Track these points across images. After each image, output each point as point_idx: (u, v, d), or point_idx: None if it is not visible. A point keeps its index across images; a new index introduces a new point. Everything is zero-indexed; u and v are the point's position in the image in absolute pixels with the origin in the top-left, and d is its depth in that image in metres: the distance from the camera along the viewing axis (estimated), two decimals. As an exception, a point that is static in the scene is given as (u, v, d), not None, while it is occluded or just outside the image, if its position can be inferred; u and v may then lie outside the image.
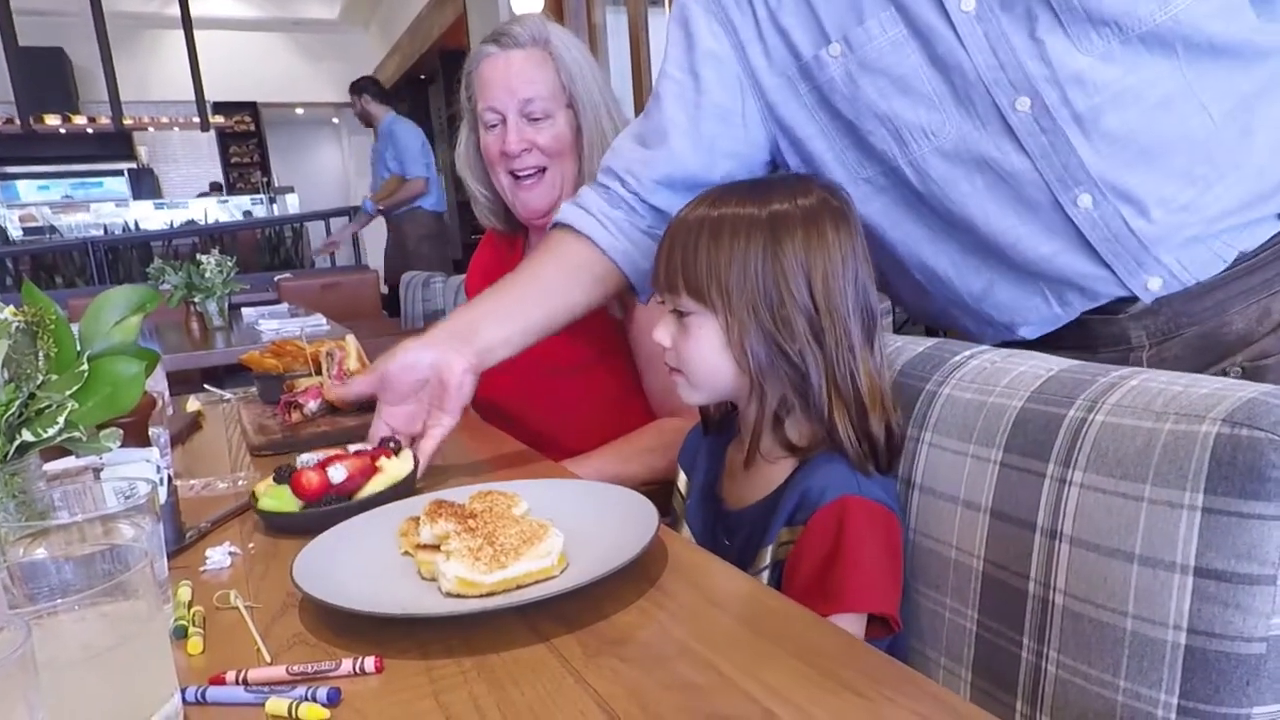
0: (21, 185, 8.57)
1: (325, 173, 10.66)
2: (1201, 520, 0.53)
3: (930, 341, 0.86)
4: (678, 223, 0.83)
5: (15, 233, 7.74)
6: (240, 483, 1.01)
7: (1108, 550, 0.58)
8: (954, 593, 0.73)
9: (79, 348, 0.74)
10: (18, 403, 0.67)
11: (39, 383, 0.70)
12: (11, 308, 0.70)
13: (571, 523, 0.72)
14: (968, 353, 0.80)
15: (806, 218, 0.78)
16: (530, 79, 1.26)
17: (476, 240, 1.60)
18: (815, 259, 0.77)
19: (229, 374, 2.68)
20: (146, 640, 0.50)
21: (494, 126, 1.29)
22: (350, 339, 1.34)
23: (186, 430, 1.34)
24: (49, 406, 0.69)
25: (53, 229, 7.86)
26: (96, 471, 0.80)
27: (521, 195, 1.31)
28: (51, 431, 0.69)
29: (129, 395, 0.74)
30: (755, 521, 0.81)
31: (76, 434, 0.73)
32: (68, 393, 0.70)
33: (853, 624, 0.72)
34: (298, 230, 7.32)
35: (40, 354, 0.69)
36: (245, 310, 3.46)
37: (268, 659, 0.59)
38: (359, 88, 4.86)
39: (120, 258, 6.32)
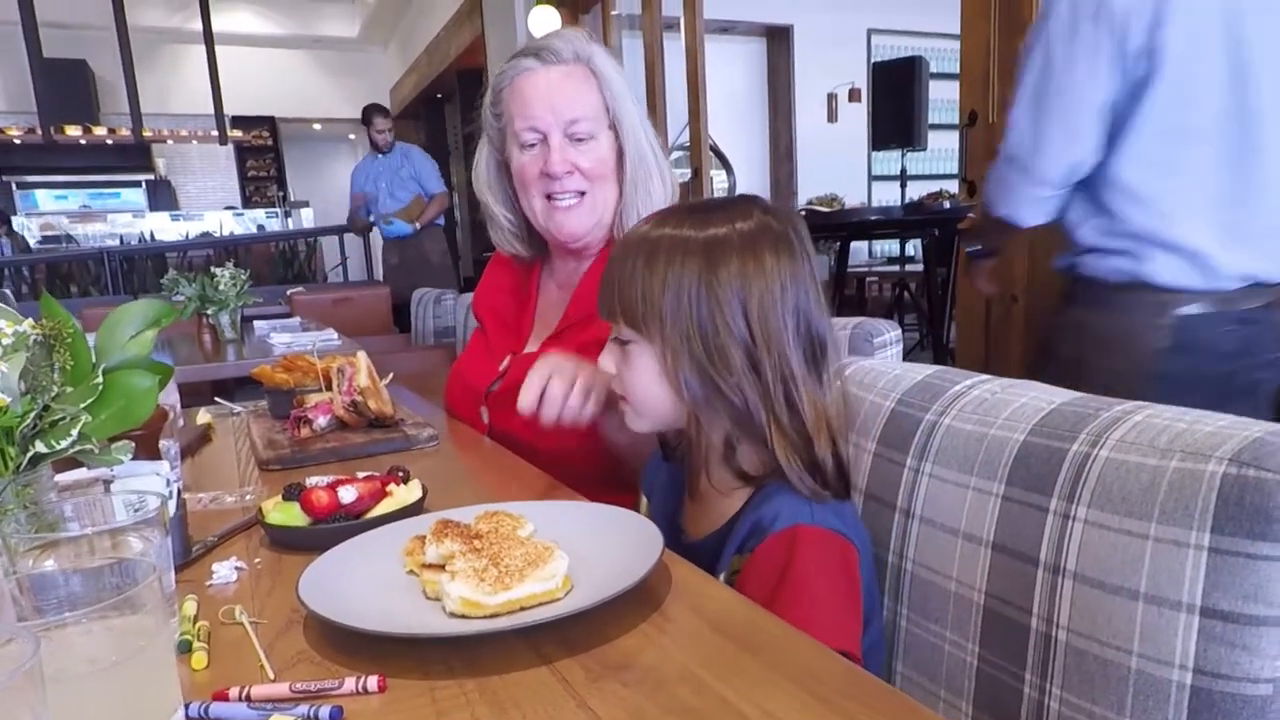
0: (41, 194, 8.68)
1: (341, 188, 10.68)
2: (1208, 560, 0.53)
3: (929, 370, 0.86)
4: (619, 243, 0.82)
5: (33, 241, 7.83)
6: (248, 497, 1.01)
7: (1112, 587, 0.58)
8: (955, 626, 0.73)
9: (94, 361, 0.75)
10: (33, 414, 0.68)
11: (54, 395, 0.70)
12: (30, 320, 0.71)
13: (576, 544, 0.73)
14: (968, 382, 0.80)
15: (744, 244, 0.76)
16: (574, 98, 1.20)
17: (486, 258, 1.56)
18: (752, 288, 0.75)
19: (239, 386, 2.70)
20: (152, 655, 0.51)
21: (532, 146, 1.22)
22: (361, 355, 1.35)
23: (196, 443, 1.35)
24: (63, 419, 0.70)
25: (69, 238, 7.94)
26: (107, 484, 0.80)
27: (558, 218, 1.24)
28: (65, 444, 0.70)
29: (142, 409, 0.75)
30: (712, 550, 0.80)
31: (89, 446, 0.74)
32: (82, 405, 0.71)
33: None
34: (311, 244, 7.39)
35: (56, 367, 0.70)
36: (258, 323, 3.48)
37: (271, 676, 0.59)
38: (370, 116, 5.00)
39: (135, 268, 6.38)
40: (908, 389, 0.83)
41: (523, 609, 0.65)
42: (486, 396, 1.34)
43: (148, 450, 0.89)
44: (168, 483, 0.83)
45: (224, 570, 0.78)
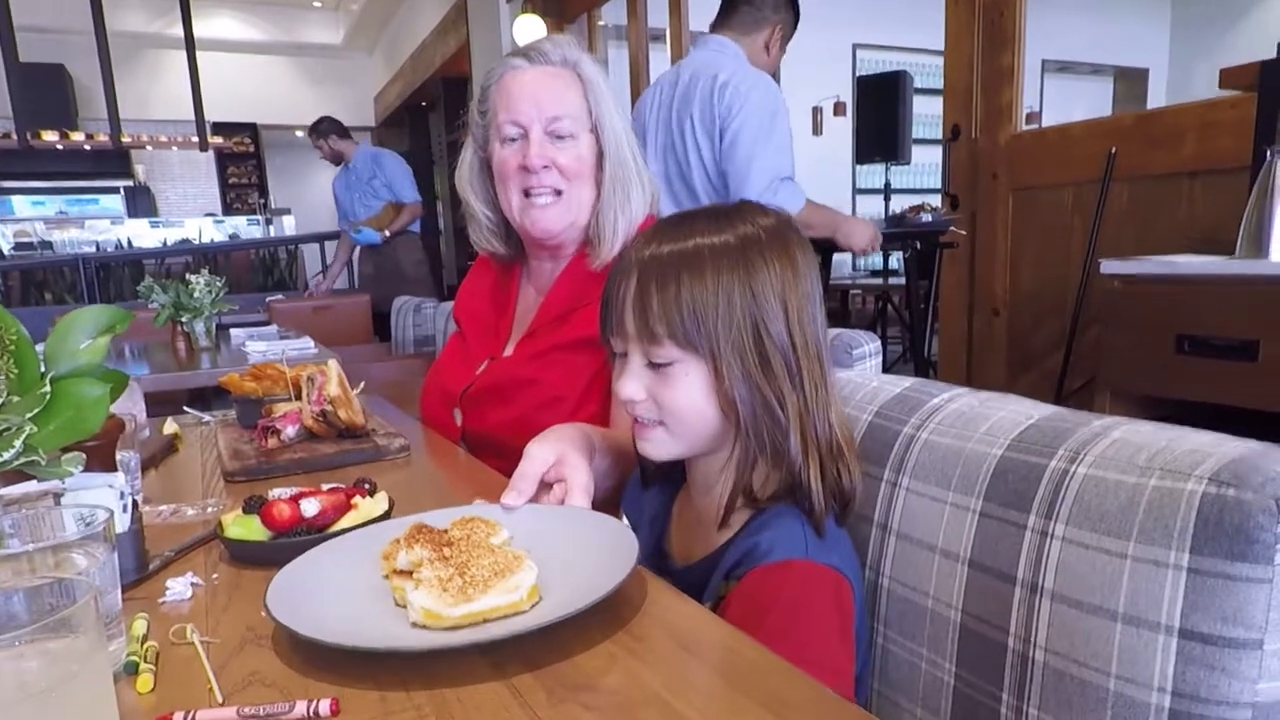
0: (16, 200, 8.56)
1: (323, 196, 10.62)
2: (1187, 581, 0.52)
3: (907, 383, 0.84)
4: (645, 261, 0.75)
5: (7, 248, 7.72)
6: (210, 509, 0.98)
7: (1090, 607, 0.57)
8: (930, 643, 0.71)
9: (43, 369, 0.72)
10: (-27, 425, 0.65)
11: (-1, 404, 0.68)
12: (-27, 327, 0.68)
13: (550, 554, 0.71)
14: (946, 395, 0.78)
15: (775, 243, 0.73)
16: (558, 96, 1.22)
17: (469, 267, 1.56)
18: (790, 289, 0.72)
19: (216, 396, 2.65)
20: (88, 679, 0.48)
21: (514, 140, 1.24)
22: (333, 364, 1.32)
23: (161, 453, 1.32)
24: (6, 429, 0.67)
25: (45, 244, 7.84)
26: (57, 497, 0.77)
27: (533, 214, 1.24)
28: (8, 455, 0.67)
29: (92, 419, 0.72)
30: (700, 577, 0.76)
31: (35, 458, 0.71)
32: (28, 415, 0.68)
33: None
34: (292, 252, 7.33)
35: (0, 375, 0.67)
36: (234, 331, 3.44)
37: (219, 699, 0.56)
38: (321, 131, 4.95)
39: (112, 275, 6.30)
40: (886, 401, 0.82)
41: (485, 621, 0.63)
42: (461, 398, 1.32)
43: (102, 462, 0.86)
44: (121, 495, 0.80)
45: (179, 586, 0.75)
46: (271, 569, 0.78)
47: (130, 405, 1.40)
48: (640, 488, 0.90)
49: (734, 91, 2.22)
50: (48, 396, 0.71)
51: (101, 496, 0.79)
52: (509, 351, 1.32)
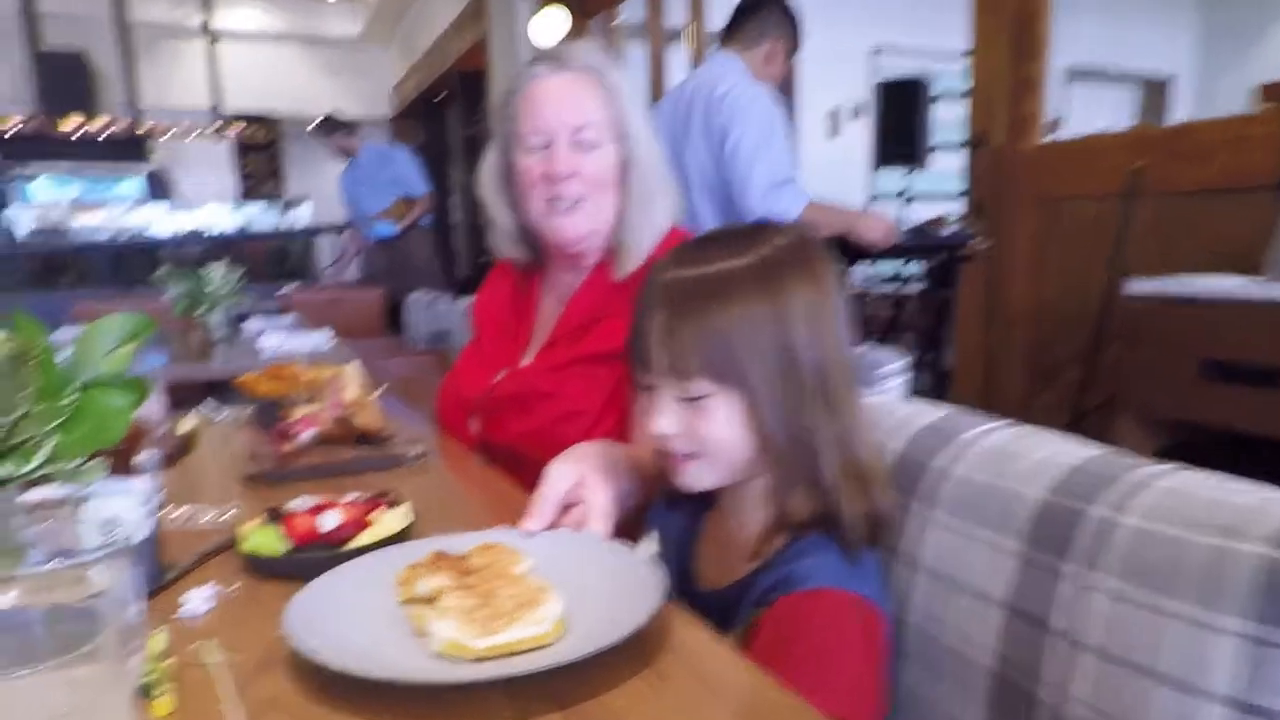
0: (35, 186, 8.60)
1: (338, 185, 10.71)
2: (1245, 650, 0.50)
3: (940, 413, 0.83)
4: (669, 291, 0.72)
5: (25, 233, 7.76)
6: (227, 515, 0.98)
7: (1133, 665, 0.55)
8: (955, 686, 0.70)
9: (67, 378, 0.71)
10: (-2, 435, 0.64)
11: (22, 414, 0.67)
12: (1, 333, 0.68)
13: (572, 582, 0.70)
14: (982, 429, 0.77)
15: (796, 259, 0.71)
16: (583, 105, 1.20)
17: (484, 262, 1.55)
18: (817, 308, 0.70)
19: (232, 389, 2.65)
20: (106, 707, 0.47)
21: (538, 149, 1.22)
22: (352, 367, 1.31)
23: (179, 451, 1.31)
24: (31, 439, 0.66)
25: (63, 230, 7.87)
26: (77, 503, 0.77)
27: (555, 221, 1.22)
28: (34, 463, 0.67)
29: (115, 428, 0.71)
30: (729, 602, 0.74)
31: (60, 467, 0.70)
32: (52, 425, 0.68)
33: None
34: (308, 242, 7.35)
35: (25, 385, 0.67)
36: (249, 323, 3.43)
37: (238, 728, 0.56)
38: (326, 128, 5.00)
39: (128, 261, 6.32)
40: (917, 431, 0.80)
41: (511, 654, 0.62)
42: (477, 407, 1.31)
43: (122, 467, 0.86)
44: (143, 502, 0.80)
45: (197, 599, 0.74)
46: (289, 583, 0.77)
47: (151, 402, 1.40)
48: (666, 506, 0.89)
49: (733, 103, 2.32)
50: (71, 407, 0.70)
51: (122, 504, 0.78)
52: (528, 361, 1.31)
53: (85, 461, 0.73)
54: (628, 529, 0.96)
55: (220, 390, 2.76)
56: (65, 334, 2.31)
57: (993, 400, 2.62)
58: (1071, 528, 0.61)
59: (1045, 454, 0.68)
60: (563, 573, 0.71)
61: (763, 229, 0.76)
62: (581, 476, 0.83)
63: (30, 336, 0.67)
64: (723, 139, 2.32)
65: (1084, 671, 0.58)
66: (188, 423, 1.44)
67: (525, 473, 1.19)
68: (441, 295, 3.65)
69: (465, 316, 2.78)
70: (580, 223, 1.23)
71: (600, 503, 0.81)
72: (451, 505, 1.03)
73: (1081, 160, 2.47)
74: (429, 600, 0.68)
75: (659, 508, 0.90)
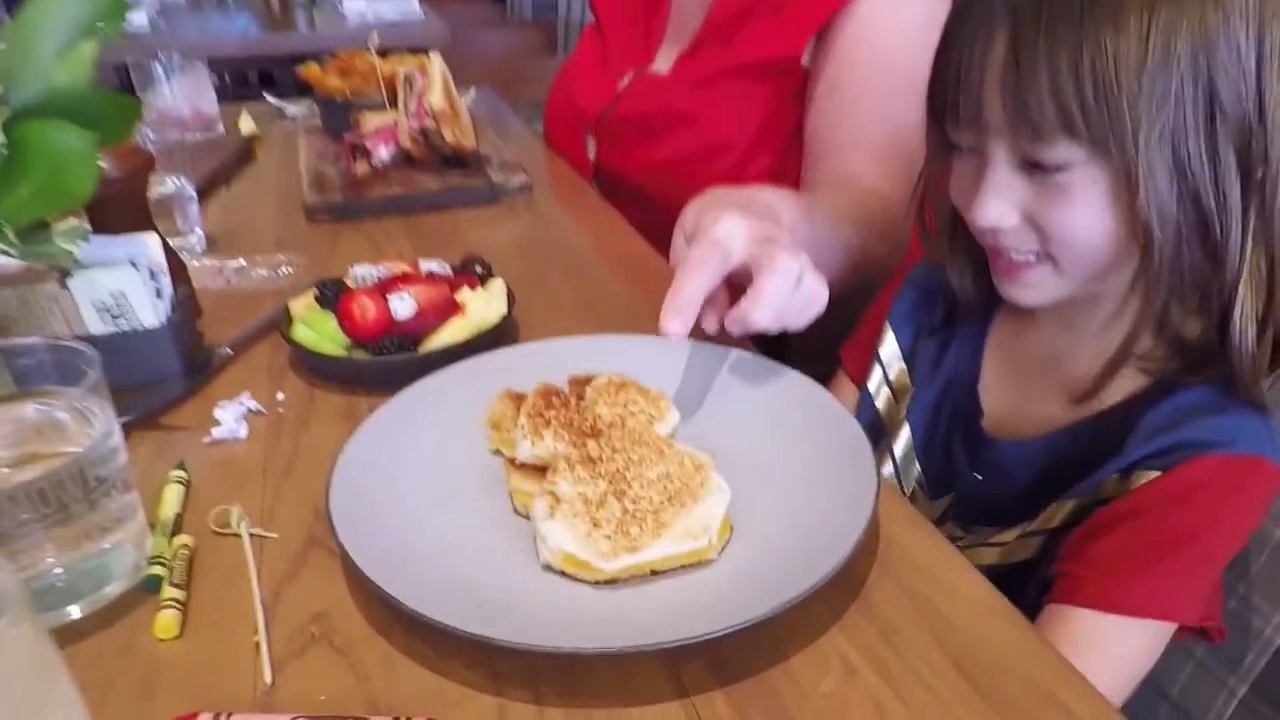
0: None
1: None
2: None
3: None
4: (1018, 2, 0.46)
5: None
6: (282, 270, 0.76)
7: None
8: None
9: (-9, 102, 0.46)
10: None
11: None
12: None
13: (727, 434, 0.50)
14: None
15: None
16: None
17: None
18: (1272, 17, 0.44)
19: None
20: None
21: None
22: (436, 61, 1.01)
23: (234, 162, 1.08)
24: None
25: None
26: (63, 275, 0.56)
27: None
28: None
29: (78, 180, 0.47)
30: (1053, 458, 0.54)
31: (5, 234, 0.48)
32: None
33: (1158, 634, 0.48)
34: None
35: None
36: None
37: (268, 680, 0.37)
38: None
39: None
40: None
41: (654, 574, 0.41)
42: (596, 124, 1.02)
43: (127, 216, 0.63)
44: (151, 276, 0.58)
45: (230, 418, 0.55)
46: (352, 389, 0.57)
47: (195, 96, 1.15)
48: (916, 302, 0.64)
49: None
50: (4, 152, 0.46)
51: (120, 279, 0.57)
52: (661, 66, 0.97)
53: (39, 225, 0.50)
54: (804, 346, 0.69)
55: (279, 85, 2.44)
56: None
57: None
58: None
59: None
60: (714, 423, 0.49)
61: None
62: (757, 238, 0.51)
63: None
64: None
65: None
66: (246, 123, 1.20)
67: (651, 215, 0.91)
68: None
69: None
70: None
71: (774, 289, 0.49)
72: (561, 269, 0.79)
73: None
74: (538, 468, 0.47)
75: (911, 298, 0.65)
